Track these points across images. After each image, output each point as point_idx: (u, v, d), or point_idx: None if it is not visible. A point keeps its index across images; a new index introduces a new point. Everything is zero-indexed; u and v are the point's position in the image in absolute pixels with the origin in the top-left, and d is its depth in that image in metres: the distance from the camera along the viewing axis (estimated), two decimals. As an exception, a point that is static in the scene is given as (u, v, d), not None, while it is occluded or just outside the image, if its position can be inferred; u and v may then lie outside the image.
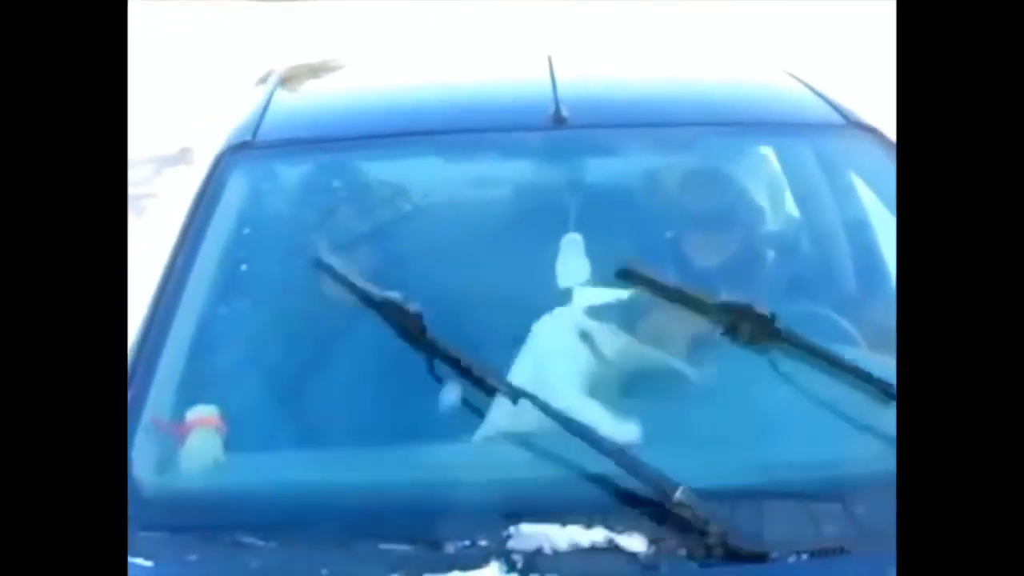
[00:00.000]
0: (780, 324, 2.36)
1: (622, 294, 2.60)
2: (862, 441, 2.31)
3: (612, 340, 2.54)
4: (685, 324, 2.53)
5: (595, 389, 2.43)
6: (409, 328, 2.40)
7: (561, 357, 2.50)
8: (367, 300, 2.50)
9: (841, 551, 2.00)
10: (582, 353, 2.52)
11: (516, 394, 2.28)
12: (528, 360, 2.54)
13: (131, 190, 3.71)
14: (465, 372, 2.37)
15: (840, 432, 2.33)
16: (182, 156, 9.14)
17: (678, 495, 2.00)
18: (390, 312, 2.43)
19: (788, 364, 2.45)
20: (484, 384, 2.34)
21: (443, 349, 2.38)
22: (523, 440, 2.33)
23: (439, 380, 2.59)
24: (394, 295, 2.43)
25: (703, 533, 1.98)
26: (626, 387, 2.49)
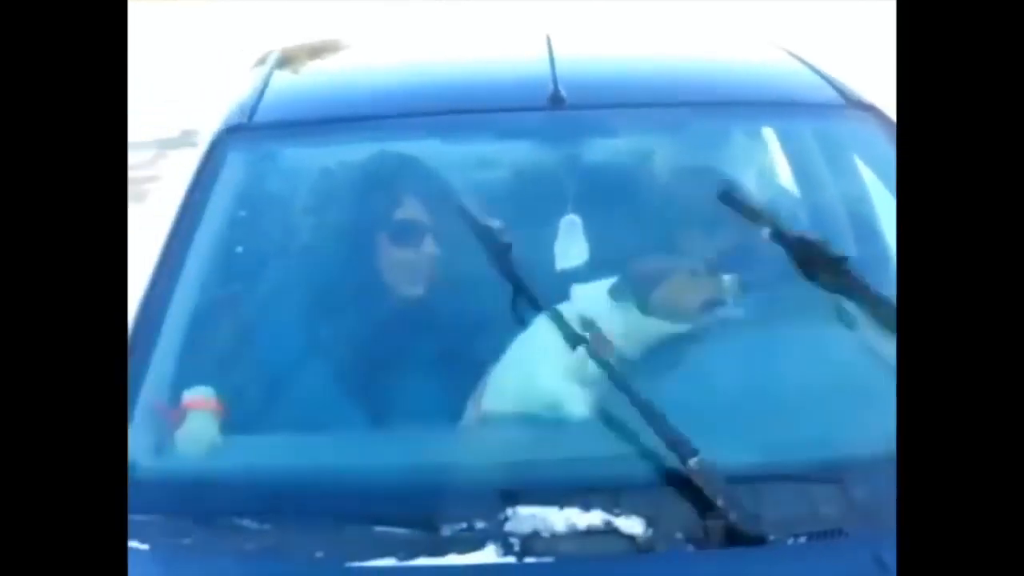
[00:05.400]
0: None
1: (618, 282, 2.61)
2: (863, 421, 2.30)
3: (616, 323, 2.53)
4: (693, 295, 2.56)
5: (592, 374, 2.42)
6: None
7: (559, 347, 2.50)
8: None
9: (840, 533, 1.99)
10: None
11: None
12: (523, 350, 2.54)
13: (133, 173, 3.69)
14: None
15: (841, 412, 2.32)
16: (184, 138, 9.11)
17: (692, 463, 2.01)
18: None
19: (789, 342, 2.46)
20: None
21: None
22: (520, 422, 2.33)
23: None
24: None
25: (701, 515, 1.98)
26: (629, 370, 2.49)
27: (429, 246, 2.83)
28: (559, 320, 2.45)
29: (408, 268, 2.84)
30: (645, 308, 2.55)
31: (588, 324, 2.43)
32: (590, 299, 2.58)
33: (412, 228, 2.83)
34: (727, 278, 2.57)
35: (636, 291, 2.57)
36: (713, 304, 2.55)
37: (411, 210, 2.84)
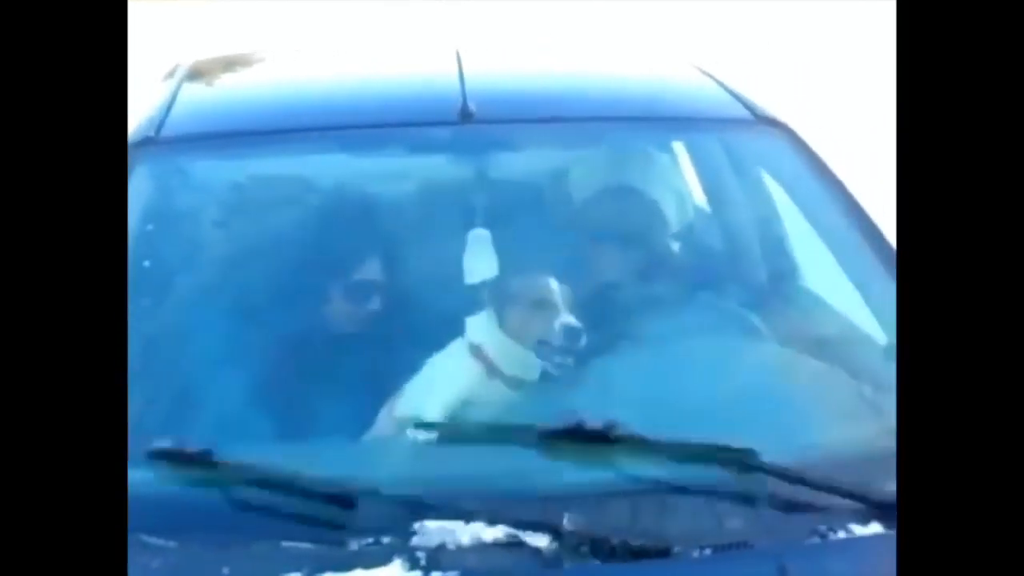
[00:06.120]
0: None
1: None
2: (768, 434, 2.32)
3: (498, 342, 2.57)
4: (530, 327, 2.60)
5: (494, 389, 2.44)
6: None
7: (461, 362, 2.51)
8: None
9: (745, 545, 2.01)
10: (473, 366, 2.54)
11: None
12: (430, 366, 2.55)
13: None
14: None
15: (745, 424, 2.33)
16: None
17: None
18: None
19: (694, 354, 2.48)
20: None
21: None
22: (426, 437, 2.32)
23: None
24: None
25: (607, 528, 1.99)
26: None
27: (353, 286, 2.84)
28: (458, 335, 2.46)
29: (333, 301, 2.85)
30: (503, 326, 2.60)
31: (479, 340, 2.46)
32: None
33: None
34: (560, 323, 2.57)
35: (497, 308, 2.62)
36: (544, 345, 2.57)
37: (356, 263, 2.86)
